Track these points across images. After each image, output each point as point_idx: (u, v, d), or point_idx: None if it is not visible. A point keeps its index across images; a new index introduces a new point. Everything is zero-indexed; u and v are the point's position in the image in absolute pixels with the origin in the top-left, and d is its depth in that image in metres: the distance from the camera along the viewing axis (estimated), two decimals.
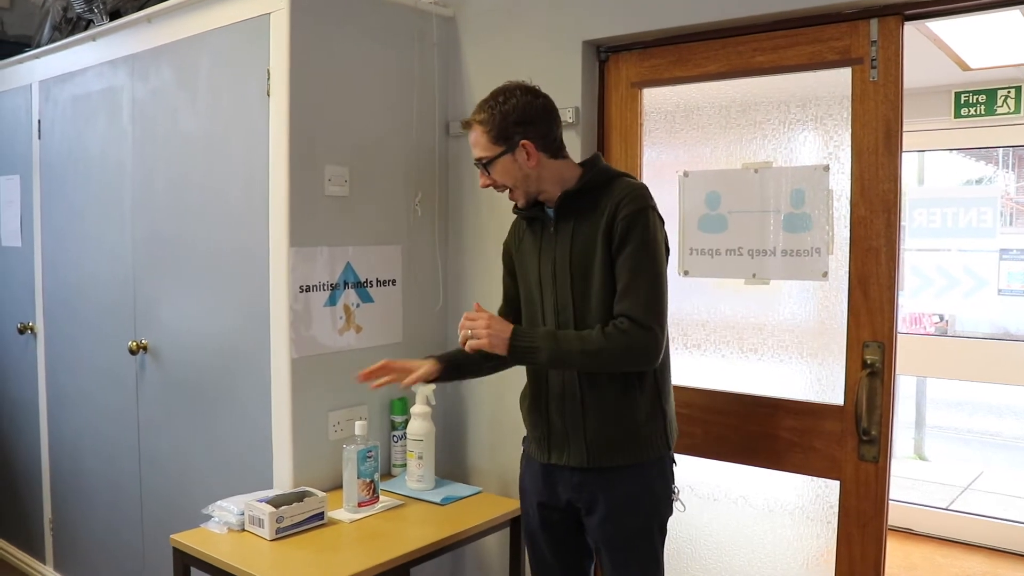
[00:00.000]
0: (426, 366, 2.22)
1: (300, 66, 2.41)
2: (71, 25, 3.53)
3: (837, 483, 2.26)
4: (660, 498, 2.07)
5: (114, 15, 3.20)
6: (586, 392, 2.04)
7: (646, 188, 2.04)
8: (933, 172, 6.12)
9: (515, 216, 2.22)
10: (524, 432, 2.24)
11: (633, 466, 2.03)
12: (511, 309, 2.27)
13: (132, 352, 2.99)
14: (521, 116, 2.02)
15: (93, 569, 3.41)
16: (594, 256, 2.00)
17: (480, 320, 2.01)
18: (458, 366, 2.27)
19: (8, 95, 3.71)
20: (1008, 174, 7.82)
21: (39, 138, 3.51)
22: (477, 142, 2.05)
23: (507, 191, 2.09)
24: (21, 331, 3.66)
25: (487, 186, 2.09)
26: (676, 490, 2.11)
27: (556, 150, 2.07)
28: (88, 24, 3.38)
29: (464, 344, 2.02)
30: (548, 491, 2.14)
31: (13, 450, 3.86)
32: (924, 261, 5.30)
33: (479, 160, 2.07)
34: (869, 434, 2.19)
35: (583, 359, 1.97)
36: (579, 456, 2.05)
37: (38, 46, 3.63)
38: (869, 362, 2.19)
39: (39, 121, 3.51)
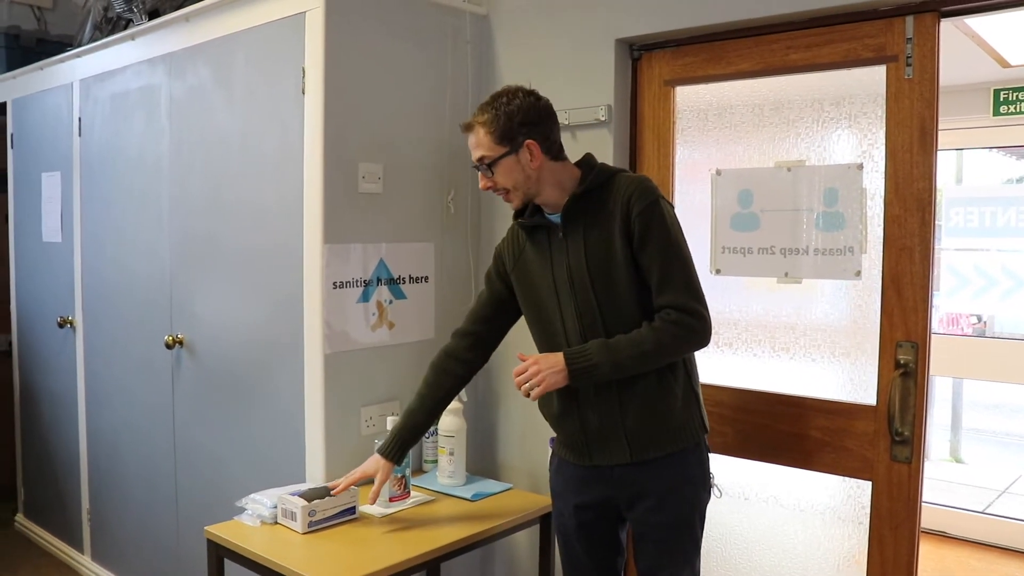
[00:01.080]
0: (380, 474, 2.26)
1: (335, 64, 2.43)
2: (111, 24, 3.59)
3: (869, 484, 2.24)
4: (699, 485, 2.09)
5: (153, 14, 3.25)
6: (622, 387, 2.02)
7: (649, 179, 2.05)
8: (972, 170, 6.03)
9: (510, 227, 2.22)
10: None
11: (673, 455, 2.04)
12: (492, 311, 2.26)
13: (168, 347, 3.03)
14: (525, 117, 2.03)
15: (129, 560, 3.47)
16: (613, 256, 1.99)
17: (531, 368, 2.00)
18: (411, 439, 2.30)
19: (51, 93, 3.78)
20: None
21: (79, 136, 3.58)
22: (480, 143, 2.05)
23: (505, 194, 2.09)
24: (61, 325, 3.73)
25: (488, 188, 2.09)
26: (712, 475, 2.12)
27: (556, 152, 2.08)
28: (128, 23, 3.43)
29: (527, 396, 2.02)
30: (586, 492, 2.13)
31: (53, 442, 3.94)
32: (962, 261, 5.22)
33: (481, 161, 2.05)
34: (902, 435, 2.17)
35: (643, 360, 1.97)
36: (621, 453, 2.04)
37: (79, 45, 3.69)
38: (902, 362, 2.17)
39: (79, 119, 3.58)
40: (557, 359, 1.99)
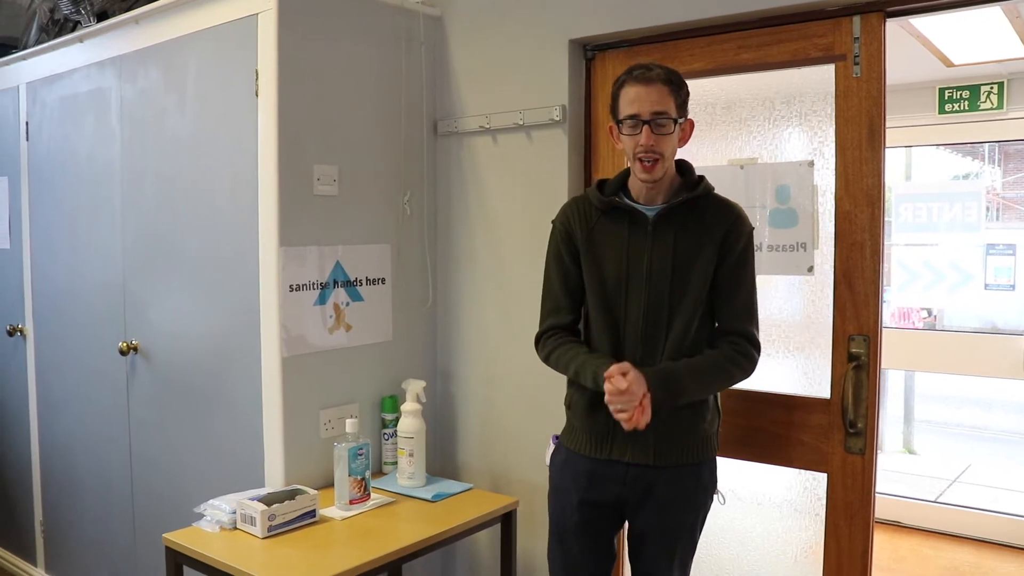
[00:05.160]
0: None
1: (288, 66, 2.42)
2: (58, 26, 3.53)
3: (824, 476, 2.28)
4: (710, 494, 2.13)
5: (101, 16, 3.20)
6: None
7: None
8: (920, 167, 6.17)
9: (574, 200, 2.17)
10: (515, 428, 2.24)
11: (692, 464, 2.08)
12: (573, 301, 2.15)
13: (123, 353, 2.99)
14: (687, 100, 2.04)
15: (85, 570, 3.41)
16: (698, 268, 2.01)
17: (633, 400, 1.92)
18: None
19: None
20: (994, 169, 7.88)
21: (27, 140, 3.51)
22: (663, 100, 1.95)
23: (653, 163, 1.97)
24: (11, 333, 3.65)
25: (649, 147, 1.95)
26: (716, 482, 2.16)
27: None
28: (75, 25, 3.37)
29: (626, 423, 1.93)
30: (596, 489, 2.11)
31: (3, 453, 3.85)
32: (911, 256, 5.34)
33: (663, 115, 1.95)
34: (855, 427, 2.21)
35: (709, 391, 2.07)
36: (644, 454, 2.05)
37: (25, 47, 3.62)
38: (855, 355, 2.21)
39: (27, 123, 3.51)
40: (643, 388, 1.93)
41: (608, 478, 2.09)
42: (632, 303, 2.05)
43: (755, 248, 2.10)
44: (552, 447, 2.29)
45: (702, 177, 2.08)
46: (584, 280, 2.12)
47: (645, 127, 1.96)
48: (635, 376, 1.92)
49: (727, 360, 2.02)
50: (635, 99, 1.97)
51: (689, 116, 2.05)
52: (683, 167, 2.11)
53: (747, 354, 2.03)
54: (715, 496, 2.15)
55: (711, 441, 2.12)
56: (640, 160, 1.98)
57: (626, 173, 2.12)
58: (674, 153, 2.03)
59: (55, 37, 3.44)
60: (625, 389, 1.90)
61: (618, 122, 2.02)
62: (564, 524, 2.17)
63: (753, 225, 2.09)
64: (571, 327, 2.18)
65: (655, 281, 2.02)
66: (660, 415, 1.99)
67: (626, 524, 2.17)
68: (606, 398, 1.94)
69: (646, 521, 2.09)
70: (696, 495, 2.10)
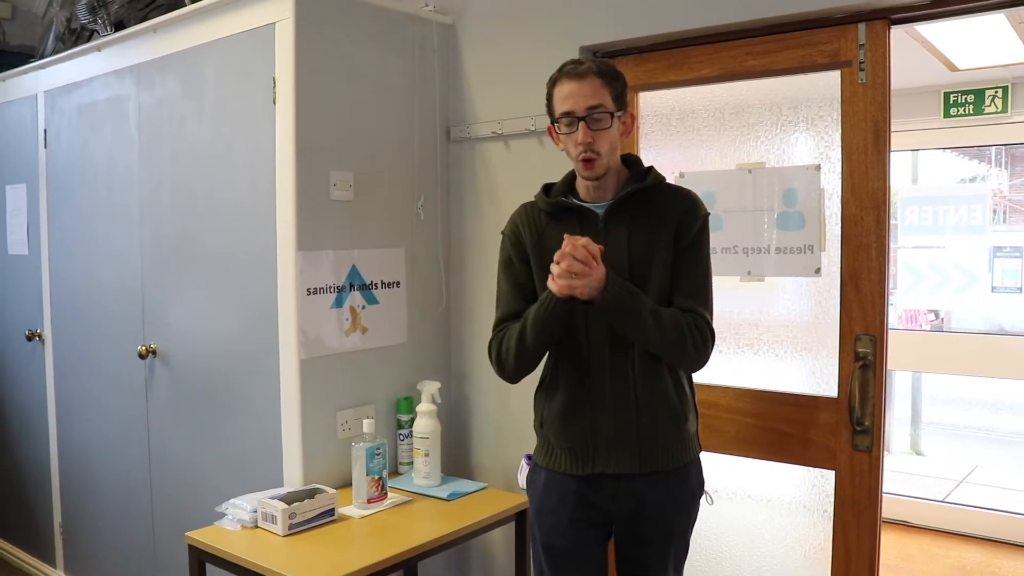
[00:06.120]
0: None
1: (305, 74, 2.47)
2: (75, 36, 3.59)
3: (832, 473, 2.32)
4: (698, 495, 2.10)
5: (118, 26, 3.26)
6: (640, 387, 1.97)
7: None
8: (927, 171, 6.20)
9: (521, 206, 2.12)
10: (528, 428, 2.19)
11: (679, 468, 2.03)
12: (526, 307, 2.01)
13: (141, 356, 3.04)
14: (626, 89, 1.99)
15: (104, 571, 3.46)
16: (655, 261, 1.95)
17: (588, 265, 1.82)
18: None
19: (14, 105, 3.77)
20: (1001, 172, 7.90)
21: (45, 147, 3.57)
22: (597, 93, 1.90)
23: (592, 161, 1.93)
24: (29, 338, 3.71)
25: (587, 144, 1.90)
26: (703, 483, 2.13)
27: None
28: (91, 34, 3.43)
29: (559, 286, 1.84)
30: (586, 508, 2.03)
31: (21, 456, 3.91)
32: (917, 258, 5.38)
33: (597, 109, 1.90)
34: (863, 424, 2.25)
35: (662, 335, 1.89)
36: (629, 462, 1.98)
37: (42, 56, 3.68)
38: (861, 355, 2.25)
39: (45, 131, 3.57)
40: (602, 273, 1.84)
41: (597, 497, 2.02)
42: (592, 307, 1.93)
43: (759, 250, 2.09)
44: (526, 468, 2.20)
45: (651, 168, 2.03)
46: (537, 288, 2.03)
47: (581, 124, 1.90)
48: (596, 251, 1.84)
49: (686, 324, 1.91)
50: (568, 95, 1.92)
51: (629, 110, 1.99)
52: (630, 160, 2.06)
53: (702, 331, 1.93)
54: (703, 496, 2.12)
55: (693, 441, 2.08)
56: (581, 159, 1.94)
57: (573, 173, 2.06)
58: (615, 147, 1.96)
59: (72, 46, 3.50)
60: (583, 245, 1.82)
61: (554, 122, 1.98)
62: (555, 548, 2.06)
63: (708, 211, 2.01)
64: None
65: None
66: (643, 417, 1.96)
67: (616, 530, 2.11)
68: (562, 264, 1.83)
69: (639, 531, 2.04)
70: (685, 498, 2.06)
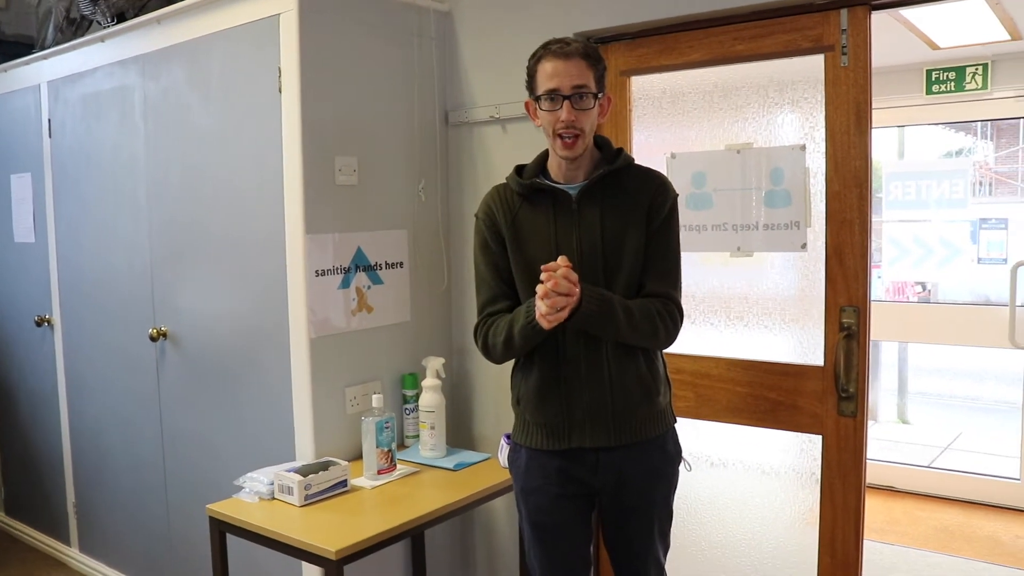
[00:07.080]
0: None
1: (309, 63, 2.56)
2: (74, 26, 3.64)
3: (819, 438, 2.45)
4: (676, 463, 2.16)
5: (119, 16, 3.31)
6: (613, 368, 2.02)
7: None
8: (912, 145, 6.29)
9: (494, 188, 2.15)
10: None
11: (654, 438, 2.09)
12: (508, 288, 2.09)
13: (152, 339, 3.14)
14: (605, 75, 2.03)
15: (119, 549, 3.58)
16: (628, 242, 2.00)
17: (572, 296, 1.86)
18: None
19: (17, 95, 3.83)
20: (987, 144, 7.97)
21: (50, 137, 3.64)
22: (583, 74, 1.95)
23: (574, 139, 1.97)
24: (38, 324, 3.79)
25: (570, 123, 1.95)
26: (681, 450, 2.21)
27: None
28: (91, 25, 3.48)
29: (548, 322, 1.87)
30: (566, 481, 2.08)
31: (34, 438, 4.01)
32: (902, 232, 5.50)
33: (582, 89, 1.95)
34: (847, 391, 2.37)
35: (637, 334, 1.98)
36: (605, 436, 2.03)
37: (42, 47, 3.74)
38: (846, 325, 2.37)
39: (49, 120, 3.64)
40: (578, 293, 1.87)
41: (579, 471, 2.07)
42: None
43: (749, 228, 2.18)
44: (506, 447, 2.27)
45: (621, 149, 2.08)
46: (512, 270, 2.08)
47: (566, 102, 1.94)
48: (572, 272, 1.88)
49: (656, 313, 1.99)
50: (554, 74, 1.95)
51: (607, 92, 2.05)
52: (600, 142, 2.10)
53: (672, 316, 2.01)
54: (681, 464, 2.18)
55: (666, 413, 2.13)
56: (560, 136, 1.97)
57: (544, 155, 2.11)
58: (594, 128, 2.02)
59: (72, 36, 3.55)
60: (563, 276, 1.84)
61: (536, 98, 2.01)
62: (543, 524, 2.11)
63: (677, 192, 2.09)
64: (508, 312, 2.09)
65: (587, 259, 2.00)
66: (616, 392, 2.02)
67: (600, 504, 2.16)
68: (545, 286, 1.85)
69: (622, 503, 2.09)
70: (665, 467, 2.12)
